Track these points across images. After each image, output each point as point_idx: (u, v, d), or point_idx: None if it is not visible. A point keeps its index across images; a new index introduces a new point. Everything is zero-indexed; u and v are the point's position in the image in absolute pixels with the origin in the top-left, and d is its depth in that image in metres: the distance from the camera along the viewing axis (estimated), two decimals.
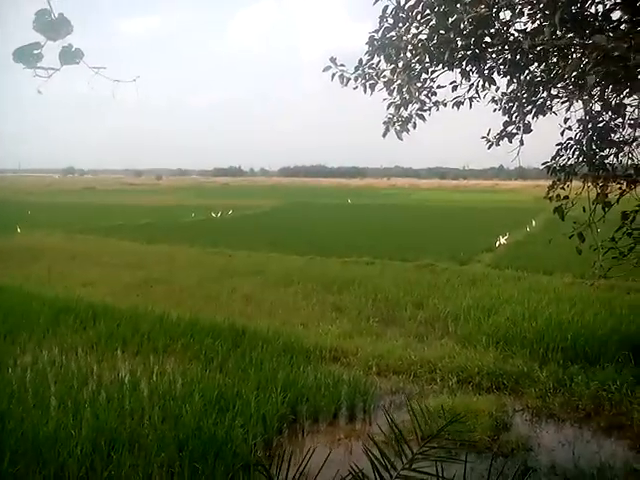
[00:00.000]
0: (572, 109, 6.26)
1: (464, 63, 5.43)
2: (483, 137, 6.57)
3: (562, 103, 6.27)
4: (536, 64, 5.67)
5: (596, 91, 5.97)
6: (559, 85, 5.92)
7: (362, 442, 7.40)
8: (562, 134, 6.52)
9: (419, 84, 5.89)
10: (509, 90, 6.25)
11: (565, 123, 6.41)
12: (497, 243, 25.23)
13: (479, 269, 19.99)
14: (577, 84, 5.46)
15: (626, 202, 6.73)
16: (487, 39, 5.15)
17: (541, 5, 4.67)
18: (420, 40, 5.53)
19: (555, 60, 5.52)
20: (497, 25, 5.14)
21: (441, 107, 6.30)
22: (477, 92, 6.05)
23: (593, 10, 4.92)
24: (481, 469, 6.80)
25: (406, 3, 5.40)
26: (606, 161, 6.54)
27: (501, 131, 6.43)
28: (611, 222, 6.84)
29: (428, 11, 5.30)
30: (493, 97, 6.38)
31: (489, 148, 6.56)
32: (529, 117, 6.23)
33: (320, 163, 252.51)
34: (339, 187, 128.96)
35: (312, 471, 2.77)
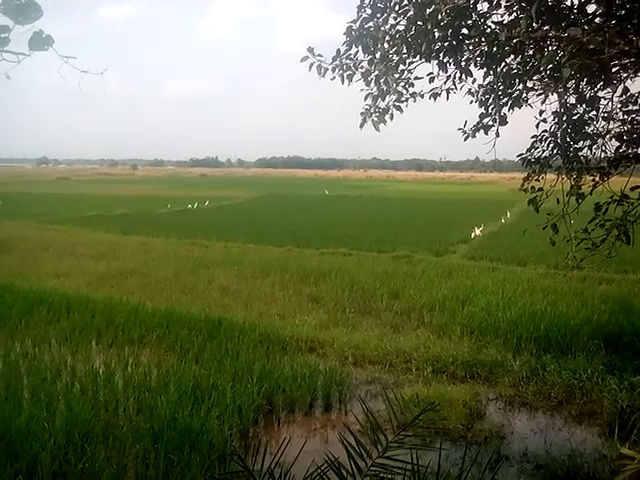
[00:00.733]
0: (547, 101, 6.34)
1: (441, 54, 5.43)
2: (459, 129, 6.60)
3: (538, 95, 6.33)
4: (512, 56, 5.70)
5: (571, 84, 6.04)
6: (535, 77, 5.96)
7: (338, 432, 7.45)
8: (537, 126, 6.57)
9: (396, 75, 5.88)
10: (485, 82, 6.28)
11: (540, 115, 6.47)
12: (472, 234, 25.45)
13: (454, 260, 20.15)
14: (552, 77, 5.50)
15: (599, 194, 6.83)
16: (464, 31, 5.15)
17: None
18: (398, 31, 5.52)
19: (531, 52, 5.56)
20: (474, 17, 5.15)
21: (419, 99, 6.30)
22: (454, 84, 6.07)
23: (569, 3, 4.96)
24: (456, 457, 6.88)
25: None
26: (580, 153, 6.62)
27: (477, 123, 6.46)
28: (584, 214, 6.93)
29: (406, 2, 5.30)
30: (470, 89, 6.40)
31: (465, 140, 6.59)
32: (505, 109, 6.26)
33: (297, 154, 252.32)
34: (316, 178, 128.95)
35: (288, 461, 2.78)
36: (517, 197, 7.38)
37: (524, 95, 6.23)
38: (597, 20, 4.77)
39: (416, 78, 6.06)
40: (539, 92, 6.26)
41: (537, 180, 7.00)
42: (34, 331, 11.30)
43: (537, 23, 4.55)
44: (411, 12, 5.24)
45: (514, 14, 5.01)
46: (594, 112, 6.27)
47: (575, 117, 6.30)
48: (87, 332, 11.20)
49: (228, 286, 15.78)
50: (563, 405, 8.55)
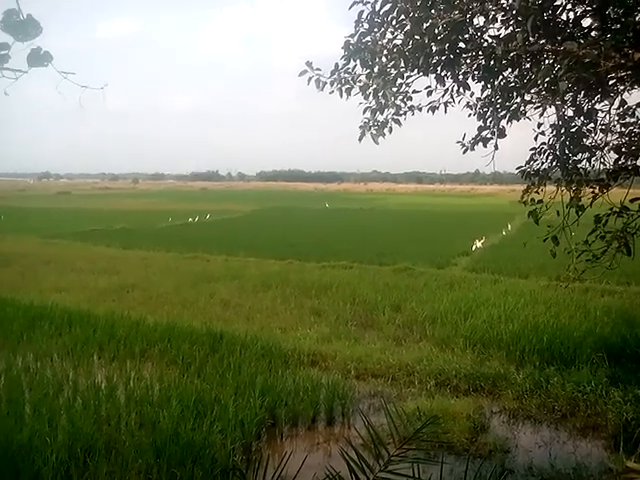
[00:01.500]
0: (545, 114, 6.37)
1: (439, 68, 5.47)
2: (458, 142, 6.63)
3: (535, 108, 6.37)
4: (510, 70, 5.74)
5: (568, 97, 6.07)
6: (532, 91, 5.99)
7: (340, 446, 7.42)
8: (536, 139, 6.61)
9: (394, 89, 5.92)
10: (483, 95, 6.32)
11: (539, 128, 6.51)
12: (473, 247, 25.45)
13: (456, 272, 20.14)
14: (550, 90, 5.54)
15: (599, 206, 6.84)
16: (461, 44, 5.20)
17: (514, 12, 4.73)
18: (395, 45, 5.57)
19: (528, 66, 5.59)
20: (471, 31, 5.19)
21: (418, 112, 6.34)
22: (452, 97, 6.11)
23: (564, 17, 5.01)
24: (459, 471, 6.85)
25: (381, 8, 5.44)
26: (579, 165, 6.64)
27: (476, 136, 6.50)
28: (584, 226, 6.94)
29: (403, 16, 5.35)
30: (468, 102, 6.44)
31: (464, 153, 6.63)
32: (503, 122, 6.30)
33: (298, 168, 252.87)
34: (317, 192, 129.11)
35: (290, 475, 2.78)
36: (518, 209, 7.42)
37: (522, 108, 6.26)
38: (593, 34, 4.83)
39: (414, 92, 6.10)
40: (537, 105, 6.29)
41: (537, 192, 7.01)
42: (36, 345, 11.30)
43: (533, 37, 4.60)
44: (408, 26, 5.29)
45: (510, 28, 5.05)
46: (592, 124, 6.30)
47: (573, 129, 6.34)
48: (89, 346, 11.20)
49: (229, 300, 15.78)
50: (567, 418, 8.53)
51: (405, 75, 5.83)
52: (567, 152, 6.47)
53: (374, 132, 6.32)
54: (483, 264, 21.37)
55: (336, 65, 5.93)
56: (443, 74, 5.60)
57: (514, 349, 10.74)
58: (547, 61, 5.14)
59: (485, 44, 5.26)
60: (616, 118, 6.29)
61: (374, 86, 5.91)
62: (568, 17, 5.00)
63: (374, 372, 10.19)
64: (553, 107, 6.12)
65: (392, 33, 5.59)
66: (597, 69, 4.07)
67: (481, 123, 6.44)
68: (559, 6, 4.86)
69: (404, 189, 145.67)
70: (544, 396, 8.98)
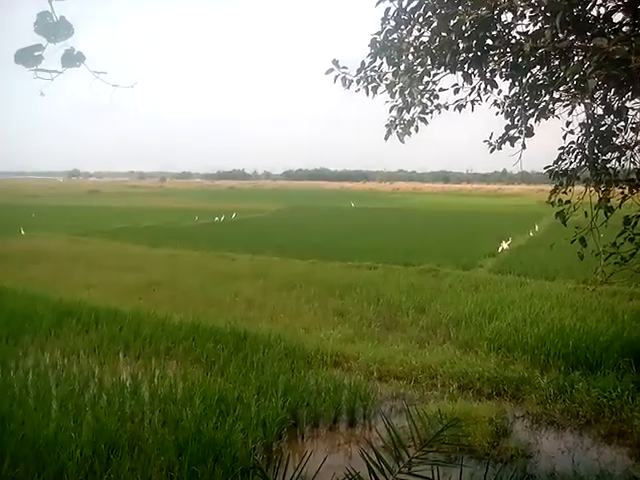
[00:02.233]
0: (574, 112, 6.24)
1: (466, 66, 5.39)
2: (485, 141, 6.53)
3: (564, 106, 6.23)
4: (538, 67, 5.63)
5: (598, 94, 5.94)
6: (561, 88, 5.88)
7: (361, 447, 7.38)
8: (564, 138, 6.48)
9: (421, 87, 5.85)
10: (511, 93, 6.21)
11: (567, 127, 6.38)
12: (499, 248, 25.16)
13: (481, 274, 19.95)
14: (579, 87, 5.42)
15: (628, 207, 6.70)
16: (489, 41, 5.12)
17: (542, 7, 4.64)
18: (422, 42, 5.51)
19: (557, 63, 5.48)
20: (499, 27, 5.11)
21: (445, 110, 6.26)
22: (479, 95, 6.02)
23: (595, 13, 4.89)
24: (481, 475, 6.76)
25: (408, 5, 5.38)
26: (608, 165, 6.49)
27: (503, 135, 6.39)
28: (613, 227, 6.79)
29: (430, 13, 5.29)
30: (495, 100, 6.34)
31: (491, 152, 6.52)
32: (531, 121, 6.18)
33: (323, 167, 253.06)
34: (342, 191, 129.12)
35: (310, 475, 2.76)
36: (545, 210, 7.32)
37: (550, 106, 6.14)
38: (624, 29, 4.70)
39: (441, 90, 6.02)
40: (566, 103, 6.16)
41: (564, 192, 6.88)
42: (63, 342, 11.47)
43: (562, 33, 4.50)
44: (435, 23, 5.22)
45: (539, 24, 4.95)
46: (622, 123, 6.15)
47: (603, 128, 6.20)
48: (115, 344, 11.32)
49: (254, 299, 15.84)
50: (592, 424, 8.37)
51: (432, 73, 5.77)
52: (596, 151, 6.33)
53: (400, 131, 6.26)
54: (509, 266, 21.12)
55: (362, 63, 5.88)
56: (470, 72, 5.51)
57: (539, 353, 10.59)
58: (576, 58, 5.02)
59: (513, 41, 5.17)
60: None
61: (400, 84, 5.85)
62: (599, 12, 4.88)
63: (397, 374, 10.12)
64: (582, 105, 5.98)
65: (419, 30, 5.53)
66: (628, 66, 3.96)
67: (509, 122, 6.33)
68: (589, 1, 4.75)
69: (430, 188, 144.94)
70: (568, 401, 8.83)
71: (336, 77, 5.91)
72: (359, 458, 2.90)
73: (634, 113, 6.00)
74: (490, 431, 7.81)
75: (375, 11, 5.61)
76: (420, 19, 5.39)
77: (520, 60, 5.14)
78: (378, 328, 13.08)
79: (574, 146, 6.45)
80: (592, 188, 6.68)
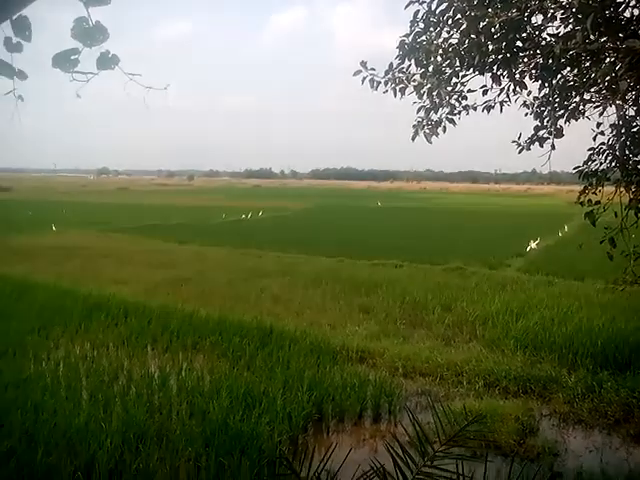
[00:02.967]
0: (605, 113, 6.21)
1: (495, 67, 5.41)
2: (514, 141, 6.53)
3: (595, 107, 6.21)
4: (568, 68, 5.62)
5: (630, 96, 5.90)
6: (592, 90, 5.86)
7: (386, 441, 7.44)
8: (594, 139, 6.45)
9: (449, 88, 5.89)
10: (541, 94, 6.20)
11: (598, 128, 6.35)
12: (528, 248, 24.94)
13: (509, 273, 19.82)
14: (610, 89, 5.40)
15: None
16: (518, 43, 5.13)
17: (573, 9, 4.64)
18: (451, 44, 5.54)
19: (588, 64, 5.47)
20: (529, 29, 5.11)
21: (473, 111, 6.28)
22: (508, 96, 6.03)
23: (627, 14, 4.88)
24: (506, 472, 6.78)
25: (437, 7, 5.43)
26: (639, 166, 6.45)
27: (532, 135, 6.39)
28: None
29: (459, 15, 5.32)
30: (524, 101, 6.34)
31: (520, 152, 6.52)
32: (561, 121, 6.17)
33: (351, 166, 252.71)
34: (369, 190, 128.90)
35: (335, 467, 2.84)
36: (575, 210, 7.27)
37: (581, 107, 6.13)
38: None
39: (469, 91, 6.04)
40: (596, 104, 6.14)
41: (594, 193, 6.85)
42: (93, 335, 11.72)
43: (593, 35, 4.49)
44: (464, 25, 5.25)
45: (570, 26, 4.95)
46: None
47: (634, 129, 6.16)
48: (143, 337, 11.54)
49: (280, 295, 15.96)
50: (620, 424, 8.30)
51: (460, 74, 5.79)
52: (627, 152, 6.30)
53: (427, 131, 6.29)
54: (537, 265, 20.97)
55: (390, 65, 5.94)
56: (499, 73, 5.53)
57: (566, 352, 10.52)
58: (608, 59, 5.01)
59: (543, 42, 5.17)
60: None
61: (428, 85, 5.89)
62: (632, 14, 4.86)
63: (422, 371, 10.15)
64: (613, 106, 5.95)
65: (448, 32, 5.56)
66: None
67: (538, 122, 6.33)
68: (621, 3, 4.74)
69: (458, 188, 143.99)
70: (596, 400, 8.77)
71: (364, 78, 5.97)
72: (384, 453, 2.97)
73: None
74: (516, 429, 7.80)
75: (404, 13, 5.67)
76: (449, 21, 5.43)
77: (550, 62, 5.14)
78: (404, 325, 13.10)
79: (604, 147, 6.42)
80: (622, 189, 6.64)
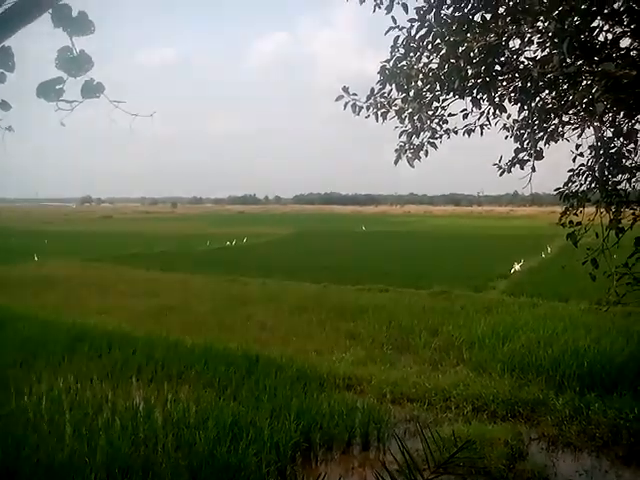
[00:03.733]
0: (584, 135, 6.28)
1: (475, 91, 5.46)
2: (495, 164, 6.58)
3: (574, 129, 6.29)
4: (546, 91, 5.69)
5: (607, 117, 5.99)
6: (570, 112, 5.94)
7: (375, 470, 7.34)
8: (574, 160, 6.52)
9: (430, 112, 5.93)
10: (520, 117, 6.27)
11: (577, 149, 6.42)
12: (512, 270, 25.08)
13: (494, 296, 19.87)
14: (588, 111, 5.48)
15: None
16: (497, 67, 5.20)
17: (550, 34, 4.72)
18: (431, 69, 5.60)
19: (565, 87, 5.54)
20: (507, 53, 5.19)
21: (454, 135, 6.33)
22: (488, 120, 6.09)
23: (602, 38, 4.96)
24: None
25: (417, 33, 5.49)
26: (619, 187, 6.51)
27: (513, 158, 6.44)
28: (625, 248, 6.79)
29: (439, 40, 5.38)
30: (504, 124, 6.40)
31: (501, 175, 6.57)
32: (541, 144, 6.24)
33: (334, 191, 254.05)
34: (353, 214, 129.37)
35: None
36: (557, 231, 7.31)
37: (560, 129, 6.20)
38: (632, 54, 4.77)
39: (450, 115, 6.09)
40: (575, 126, 6.22)
41: (575, 214, 6.90)
42: (76, 367, 11.52)
43: (570, 58, 4.56)
44: (444, 50, 5.31)
45: (547, 50, 5.02)
46: (632, 145, 6.19)
47: (613, 150, 6.23)
48: (127, 368, 11.37)
49: (266, 322, 15.86)
50: (609, 446, 8.27)
51: (441, 98, 5.84)
52: (606, 173, 6.35)
53: (410, 155, 6.32)
54: (522, 287, 21.05)
55: (372, 90, 5.97)
56: (479, 97, 5.59)
57: (553, 374, 10.51)
58: (584, 82, 5.09)
59: (521, 66, 5.25)
60: None
61: (410, 110, 5.92)
62: (606, 38, 4.95)
63: (410, 396, 10.08)
64: (591, 128, 6.03)
65: (427, 57, 5.62)
66: (635, 90, 4.03)
67: (518, 145, 6.39)
68: (596, 27, 4.83)
69: (441, 211, 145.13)
70: (584, 423, 8.74)
71: (346, 104, 6.00)
72: None
73: None
74: (506, 453, 7.75)
75: (385, 39, 5.73)
76: (429, 46, 5.49)
77: (529, 85, 5.21)
78: (390, 351, 13.04)
79: (584, 168, 6.49)
80: (603, 209, 6.69)
